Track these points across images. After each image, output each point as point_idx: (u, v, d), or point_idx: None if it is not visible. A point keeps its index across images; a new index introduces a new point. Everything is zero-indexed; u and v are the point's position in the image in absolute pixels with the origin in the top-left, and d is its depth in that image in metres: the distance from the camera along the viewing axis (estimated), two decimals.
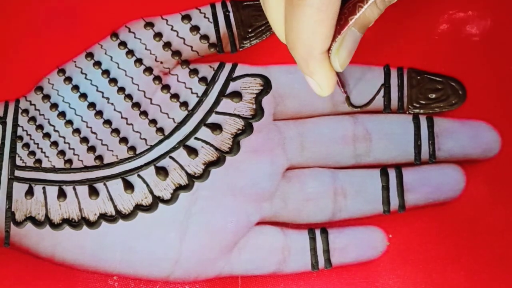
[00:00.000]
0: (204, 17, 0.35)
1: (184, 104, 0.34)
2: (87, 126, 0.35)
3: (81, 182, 0.34)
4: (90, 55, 0.35)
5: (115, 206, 0.34)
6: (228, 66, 0.35)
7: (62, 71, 0.35)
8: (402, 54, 0.35)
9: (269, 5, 0.29)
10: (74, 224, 0.34)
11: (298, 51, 0.29)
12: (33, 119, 0.35)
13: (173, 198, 0.34)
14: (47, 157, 0.34)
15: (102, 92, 0.35)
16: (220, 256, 0.34)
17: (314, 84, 0.31)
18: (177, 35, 0.35)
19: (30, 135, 0.35)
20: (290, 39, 0.29)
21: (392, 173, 0.34)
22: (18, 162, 0.35)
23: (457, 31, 0.35)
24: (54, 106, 0.35)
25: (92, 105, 0.35)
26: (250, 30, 0.36)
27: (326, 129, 0.35)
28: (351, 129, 0.35)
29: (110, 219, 0.34)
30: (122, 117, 0.35)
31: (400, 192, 0.34)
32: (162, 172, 0.34)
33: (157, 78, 0.35)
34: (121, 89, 0.35)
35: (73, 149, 0.34)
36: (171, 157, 0.34)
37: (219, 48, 0.35)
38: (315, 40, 0.28)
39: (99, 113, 0.35)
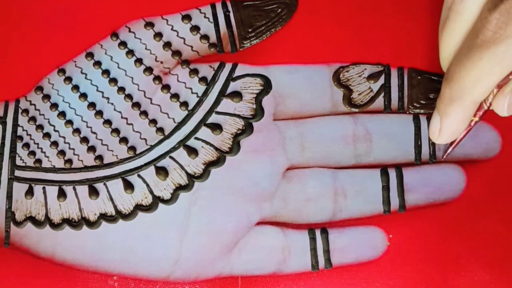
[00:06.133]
0: (204, 17, 0.35)
1: (184, 104, 0.34)
2: (87, 126, 0.35)
3: (81, 182, 0.34)
4: (90, 55, 0.35)
5: (115, 206, 0.34)
6: (228, 66, 0.35)
7: (62, 71, 0.35)
8: (402, 54, 0.35)
9: (449, 28, 0.29)
10: (74, 224, 0.34)
11: (451, 87, 0.29)
12: (33, 119, 0.35)
13: (173, 198, 0.34)
14: (47, 157, 0.34)
15: (102, 92, 0.35)
16: (220, 256, 0.34)
17: (436, 126, 0.31)
18: (177, 35, 0.35)
19: (30, 135, 0.35)
20: (451, 71, 0.29)
21: (392, 173, 0.34)
22: (18, 162, 0.35)
23: None
24: (54, 106, 0.35)
25: (92, 105, 0.35)
26: (250, 30, 0.36)
27: (327, 129, 0.35)
28: (351, 129, 0.35)
29: (110, 219, 0.34)
30: (122, 117, 0.35)
31: (400, 192, 0.34)
32: (162, 172, 0.34)
33: (157, 78, 0.35)
34: (121, 89, 0.35)
35: (73, 149, 0.34)
36: (171, 157, 0.34)
37: (219, 48, 0.35)
38: (476, 88, 0.28)
39: (99, 113, 0.35)
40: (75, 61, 0.35)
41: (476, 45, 0.28)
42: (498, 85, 0.30)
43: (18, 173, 0.34)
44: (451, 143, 0.34)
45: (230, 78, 0.35)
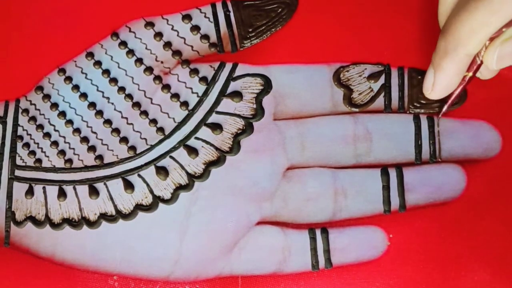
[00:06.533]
0: (205, 16, 0.35)
1: (185, 103, 0.34)
2: (87, 126, 0.35)
3: (81, 181, 0.34)
4: (90, 54, 0.35)
5: (115, 206, 0.34)
6: (228, 66, 0.35)
7: (62, 70, 0.35)
8: (402, 53, 0.35)
9: None
10: (74, 223, 0.34)
11: (446, 39, 0.29)
12: (33, 118, 0.35)
13: (173, 197, 0.34)
14: (47, 156, 0.34)
15: (103, 92, 0.35)
16: (220, 256, 0.34)
17: (430, 80, 0.31)
18: (178, 35, 0.35)
19: (30, 134, 0.35)
20: (447, 24, 0.29)
21: (392, 173, 0.34)
22: (18, 161, 0.34)
23: None
24: (54, 105, 0.35)
25: (92, 104, 0.35)
26: (250, 29, 0.36)
27: (327, 129, 0.35)
28: (351, 129, 0.35)
29: (110, 218, 0.34)
30: (122, 117, 0.35)
31: (400, 192, 0.34)
32: (162, 171, 0.34)
33: (158, 78, 0.35)
34: (122, 89, 0.35)
35: (73, 148, 0.34)
36: (171, 157, 0.34)
37: (219, 48, 0.35)
38: (470, 39, 0.28)
39: (99, 113, 0.35)
40: (75, 61, 0.35)
41: None
42: (490, 38, 0.29)
43: (18, 172, 0.34)
44: (446, 100, 0.33)
45: (230, 78, 0.35)
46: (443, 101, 0.34)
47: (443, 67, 0.30)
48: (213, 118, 0.34)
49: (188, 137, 0.34)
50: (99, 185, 0.34)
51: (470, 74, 0.31)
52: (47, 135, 0.35)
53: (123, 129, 0.34)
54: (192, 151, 0.34)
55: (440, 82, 0.31)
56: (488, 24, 0.27)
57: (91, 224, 0.34)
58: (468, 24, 0.28)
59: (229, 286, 0.34)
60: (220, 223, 0.34)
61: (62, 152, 0.34)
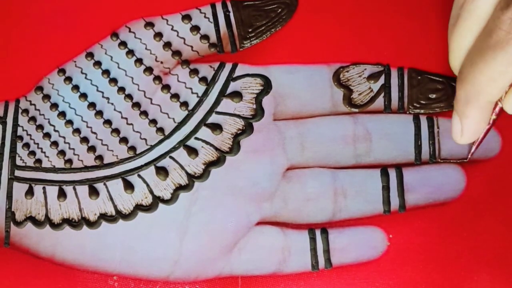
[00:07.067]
0: (205, 17, 0.35)
1: (184, 104, 0.34)
2: (87, 126, 0.35)
3: (81, 182, 0.34)
4: (90, 55, 0.35)
5: (115, 206, 0.34)
6: (228, 66, 0.35)
7: (62, 71, 0.35)
8: (402, 54, 0.35)
9: (460, 28, 0.29)
10: (74, 224, 0.34)
11: (466, 88, 0.29)
12: (33, 119, 0.35)
13: (173, 198, 0.34)
14: (47, 157, 0.34)
15: (102, 92, 0.35)
16: (220, 256, 0.34)
17: (458, 127, 0.31)
18: (177, 35, 0.35)
19: (30, 135, 0.35)
20: (464, 73, 0.29)
21: (392, 173, 0.34)
22: (18, 162, 0.35)
23: None
24: (54, 106, 0.35)
25: (92, 105, 0.35)
26: (250, 30, 0.36)
27: (327, 129, 0.35)
28: (351, 129, 0.35)
29: (110, 219, 0.34)
30: (122, 117, 0.35)
31: (400, 192, 0.34)
32: (162, 172, 0.34)
33: (157, 78, 0.35)
34: (121, 89, 0.35)
35: (73, 149, 0.34)
36: (171, 157, 0.34)
37: (219, 48, 0.35)
38: (490, 87, 0.28)
39: (99, 113, 0.35)
40: (75, 61, 0.35)
41: (489, 45, 0.28)
42: (511, 84, 0.29)
43: (18, 173, 0.34)
44: (473, 143, 0.33)
45: (230, 78, 0.35)
46: (442, 101, 0.34)
47: (468, 115, 0.30)
48: (213, 118, 0.34)
49: (188, 137, 0.34)
50: (99, 186, 0.34)
51: (494, 117, 0.31)
52: (47, 135, 0.35)
53: (123, 129, 0.34)
54: (192, 152, 0.34)
55: (468, 129, 0.31)
56: (506, 73, 0.27)
57: (91, 224, 0.34)
58: (486, 73, 0.28)
59: (229, 286, 0.34)
60: (220, 223, 0.34)
61: (62, 152, 0.34)
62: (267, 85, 0.35)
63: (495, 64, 0.27)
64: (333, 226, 0.35)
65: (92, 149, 0.34)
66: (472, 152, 0.34)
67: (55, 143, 0.34)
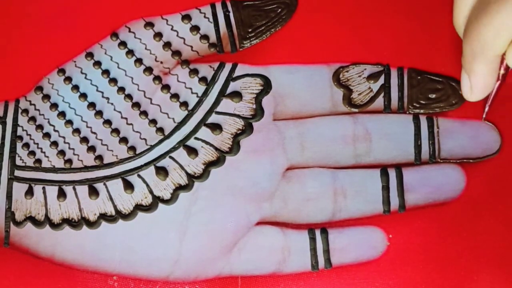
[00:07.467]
0: (204, 17, 0.35)
1: (184, 104, 0.34)
2: (87, 126, 0.35)
3: (81, 182, 0.34)
4: (90, 55, 0.35)
5: (115, 206, 0.34)
6: (228, 66, 0.35)
7: (62, 71, 0.35)
8: (402, 54, 0.35)
9: None
10: (74, 224, 0.34)
11: (471, 44, 0.29)
12: (33, 119, 0.35)
13: (173, 198, 0.34)
14: (47, 157, 0.34)
15: (102, 92, 0.35)
16: (220, 256, 0.34)
17: (467, 84, 0.31)
18: (177, 35, 0.35)
19: (30, 135, 0.35)
20: (469, 29, 0.29)
21: (392, 173, 0.34)
22: (18, 162, 0.35)
23: None
24: (54, 106, 0.35)
25: (92, 105, 0.35)
26: (250, 30, 0.36)
27: (326, 129, 0.35)
28: (351, 129, 0.35)
29: (110, 219, 0.34)
30: (122, 117, 0.35)
31: (400, 192, 0.34)
32: (162, 172, 0.34)
33: (157, 78, 0.35)
34: (121, 89, 0.35)
35: (73, 149, 0.34)
36: (171, 157, 0.34)
37: (219, 48, 0.35)
38: (496, 41, 0.28)
39: (99, 113, 0.35)
40: (75, 61, 0.35)
41: (495, 1, 0.28)
42: None
43: (18, 173, 0.34)
44: (489, 99, 0.33)
45: (230, 78, 0.35)
46: (441, 101, 0.34)
47: (475, 70, 0.30)
48: (213, 118, 0.34)
49: (187, 137, 0.34)
50: (99, 185, 0.34)
51: (503, 71, 0.31)
52: (47, 135, 0.35)
53: (122, 129, 0.34)
54: (192, 151, 0.34)
55: (477, 85, 0.31)
56: (510, 26, 0.28)
57: (91, 224, 0.34)
58: (491, 27, 0.28)
59: (228, 286, 0.34)
60: (219, 223, 0.34)
61: (61, 152, 0.34)
62: (267, 85, 0.35)
63: (500, 17, 0.27)
64: (333, 226, 0.35)
65: (92, 149, 0.34)
66: (486, 110, 0.34)
67: (55, 143, 0.34)
